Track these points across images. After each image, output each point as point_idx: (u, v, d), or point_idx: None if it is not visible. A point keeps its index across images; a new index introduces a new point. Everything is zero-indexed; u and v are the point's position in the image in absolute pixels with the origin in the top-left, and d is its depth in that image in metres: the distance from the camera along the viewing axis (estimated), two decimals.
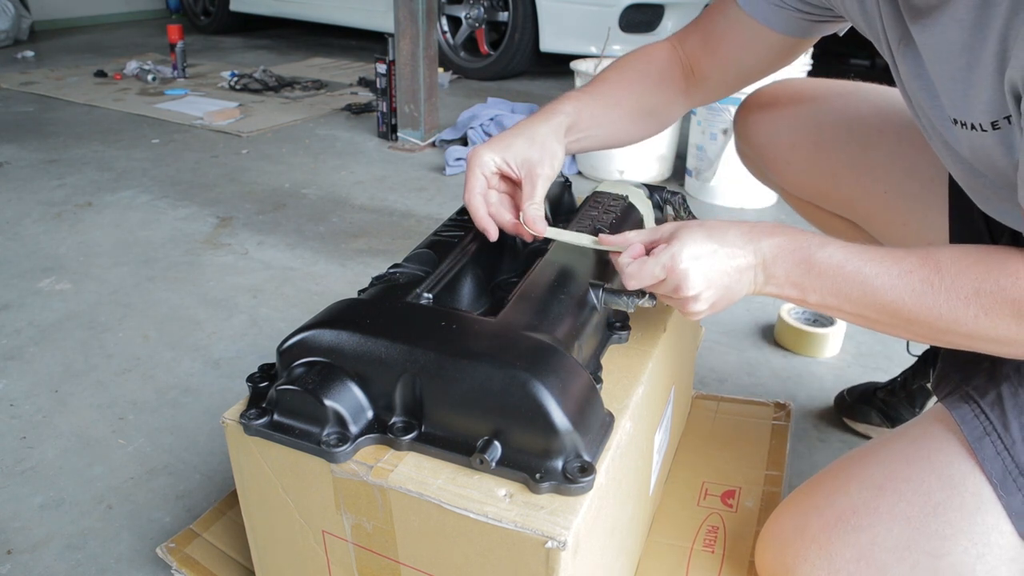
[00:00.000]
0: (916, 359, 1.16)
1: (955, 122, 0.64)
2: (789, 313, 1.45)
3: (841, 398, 1.24)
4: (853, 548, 0.68)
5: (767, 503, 0.94)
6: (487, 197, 0.78)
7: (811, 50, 2.09)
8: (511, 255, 0.85)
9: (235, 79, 3.51)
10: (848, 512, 0.69)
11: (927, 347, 1.13)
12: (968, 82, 0.60)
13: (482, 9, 3.67)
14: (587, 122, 0.84)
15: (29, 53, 4.17)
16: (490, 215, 0.78)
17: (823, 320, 1.44)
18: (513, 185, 0.80)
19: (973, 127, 0.61)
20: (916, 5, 0.63)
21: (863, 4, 0.72)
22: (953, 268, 0.60)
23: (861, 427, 1.20)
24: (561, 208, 0.97)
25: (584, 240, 0.74)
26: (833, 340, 1.41)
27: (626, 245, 0.69)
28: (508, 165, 0.77)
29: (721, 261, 0.65)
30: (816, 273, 0.64)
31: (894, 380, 1.18)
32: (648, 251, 0.68)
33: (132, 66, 3.71)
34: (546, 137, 0.78)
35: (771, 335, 1.49)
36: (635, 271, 0.66)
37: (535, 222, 0.75)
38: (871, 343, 1.46)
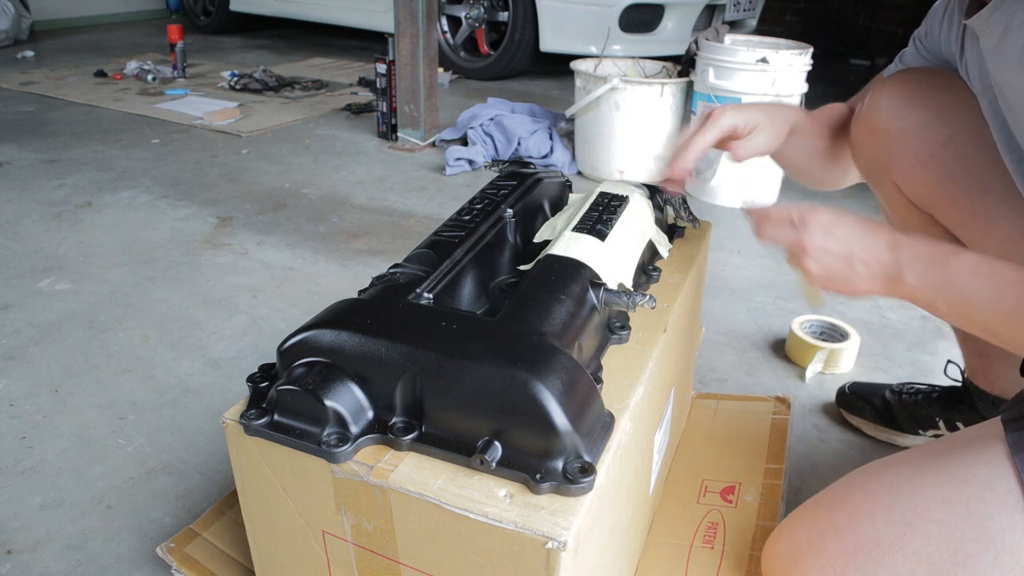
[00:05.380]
0: (944, 391, 1.14)
1: None
2: (801, 327, 1.41)
3: (842, 390, 1.24)
4: None
5: (767, 497, 0.94)
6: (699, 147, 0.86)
7: (811, 49, 2.11)
8: (511, 255, 0.85)
9: (235, 79, 3.51)
10: (870, 543, 0.67)
11: (960, 379, 1.12)
12: None
13: (482, 9, 3.67)
14: (802, 136, 0.94)
15: (29, 53, 4.17)
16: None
17: (834, 335, 1.42)
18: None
19: None
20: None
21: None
22: None
23: (854, 419, 1.21)
24: (561, 208, 0.97)
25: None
26: (847, 354, 1.37)
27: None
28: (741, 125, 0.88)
29: (854, 224, 0.69)
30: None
31: (903, 391, 1.17)
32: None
33: (132, 66, 3.71)
34: (781, 120, 0.91)
35: (771, 334, 1.49)
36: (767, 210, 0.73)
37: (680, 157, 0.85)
38: (878, 357, 1.46)
